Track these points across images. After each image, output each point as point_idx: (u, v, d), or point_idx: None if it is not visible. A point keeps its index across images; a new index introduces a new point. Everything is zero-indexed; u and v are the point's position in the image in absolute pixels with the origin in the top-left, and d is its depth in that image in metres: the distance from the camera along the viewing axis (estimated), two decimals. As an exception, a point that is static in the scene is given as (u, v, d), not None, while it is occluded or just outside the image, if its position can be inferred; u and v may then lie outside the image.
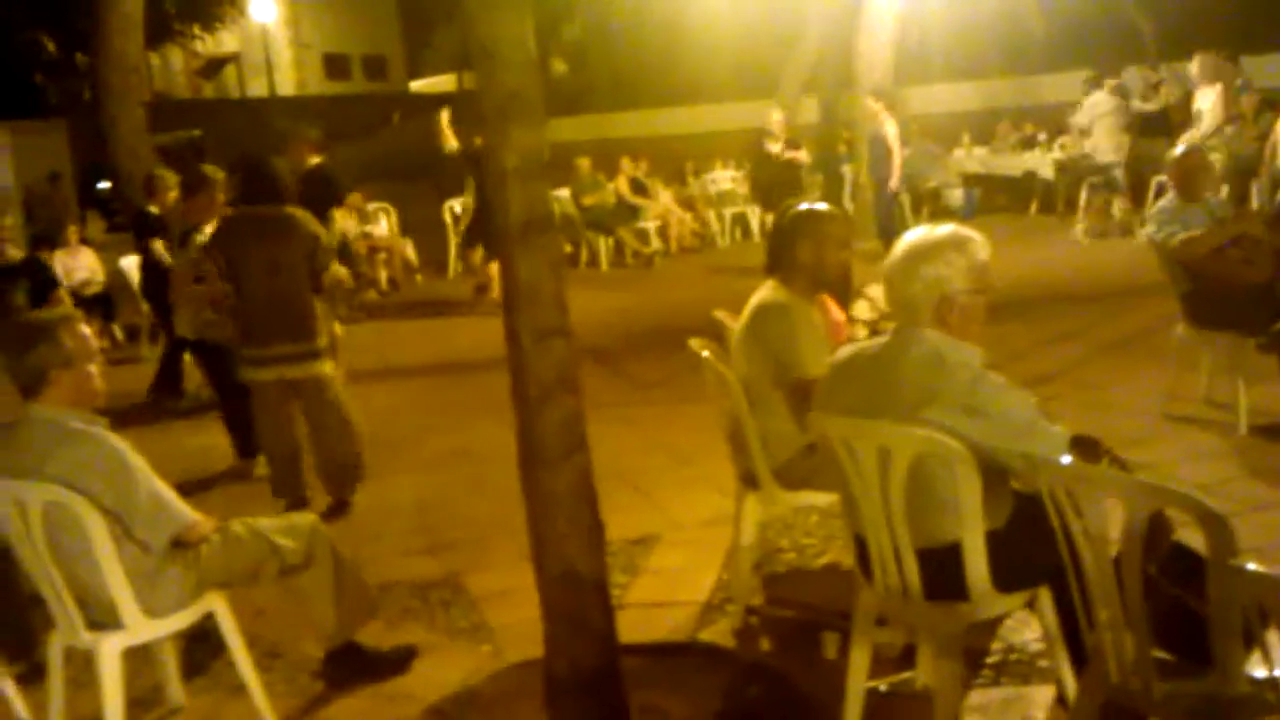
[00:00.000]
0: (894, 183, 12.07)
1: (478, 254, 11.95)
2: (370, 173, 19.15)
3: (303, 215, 5.71)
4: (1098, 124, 13.35)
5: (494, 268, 10.99)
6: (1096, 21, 18.82)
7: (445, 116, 12.18)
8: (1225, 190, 11.18)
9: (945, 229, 3.02)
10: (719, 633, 4.07)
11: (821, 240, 4.00)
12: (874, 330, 4.30)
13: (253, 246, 5.56)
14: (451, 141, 12.22)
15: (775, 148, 13.07)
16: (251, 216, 5.68)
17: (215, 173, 6.75)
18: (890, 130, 11.91)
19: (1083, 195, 13.98)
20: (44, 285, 11.08)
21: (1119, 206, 13.36)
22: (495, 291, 10.97)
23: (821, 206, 4.26)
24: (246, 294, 5.58)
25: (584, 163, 14.99)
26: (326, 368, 5.68)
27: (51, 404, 3.35)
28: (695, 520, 5.13)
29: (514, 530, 3.38)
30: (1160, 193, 9.90)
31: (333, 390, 5.70)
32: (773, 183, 12.99)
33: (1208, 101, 12.17)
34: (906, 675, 3.52)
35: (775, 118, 13.61)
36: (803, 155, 13.62)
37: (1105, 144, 13.22)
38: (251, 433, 6.41)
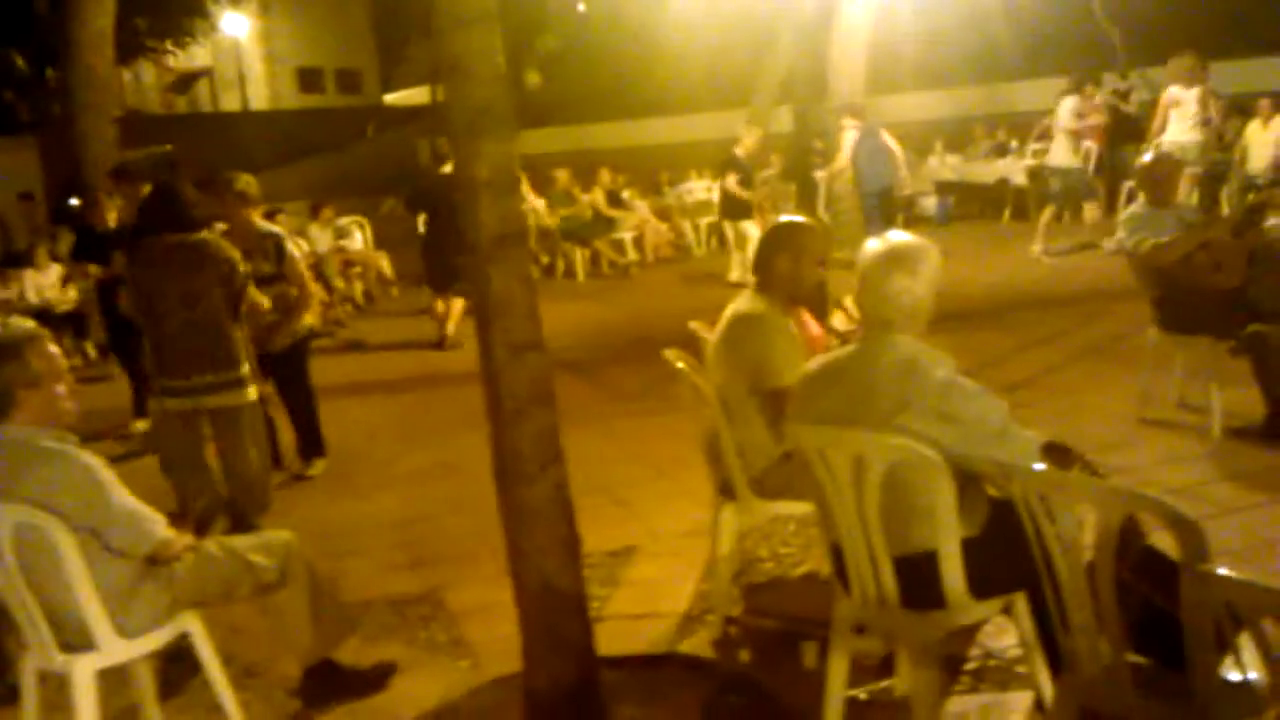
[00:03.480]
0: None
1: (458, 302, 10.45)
2: (344, 186, 19.11)
3: (216, 241, 5.59)
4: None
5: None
6: (1065, 29, 18.97)
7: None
8: (1194, 195, 11.26)
9: (906, 238, 3.09)
10: (698, 644, 4.06)
11: (799, 253, 4.02)
12: (846, 342, 4.31)
13: (167, 277, 5.39)
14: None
15: (731, 182, 12.77)
16: (164, 245, 5.47)
17: (242, 180, 6.45)
18: (848, 139, 11.93)
19: (1047, 210, 13.95)
20: None
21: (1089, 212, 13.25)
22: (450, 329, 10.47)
23: (801, 220, 4.29)
24: (163, 325, 5.42)
25: (562, 174, 15.00)
26: (248, 395, 5.55)
27: (19, 424, 3.31)
28: (673, 531, 5.13)
29: (494, 545, 3.36)
30: (1131, 198, 9.95)
31: (248, 420, 5.57)
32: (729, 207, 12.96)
33: (1192, 103, 12.09)
34: (885, 683, 3.53)
35: (746, 141, 13.03)
36: (753, 193, 12.95)
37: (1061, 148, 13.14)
38: (318, 434, 6.71)
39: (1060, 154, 12.44)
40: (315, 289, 6.44)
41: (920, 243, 3.06)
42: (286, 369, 6.54)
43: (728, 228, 13.36)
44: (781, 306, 4.01)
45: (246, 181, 6.50)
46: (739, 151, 12.86)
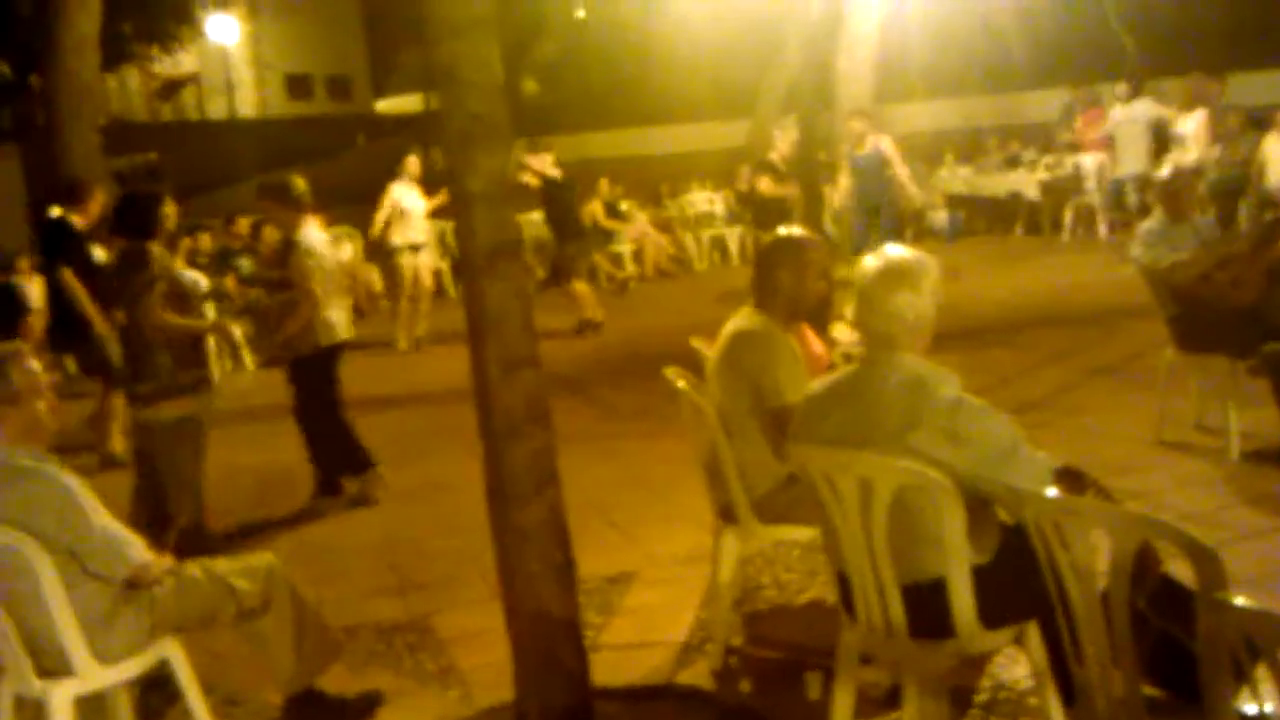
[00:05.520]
0: (921, 194, 12.02)
1: (577, 286, 11.69)
2: (334, 196, 18.93)
3: (148, 250, 5.48)
4: (1116, 134, 13.49)
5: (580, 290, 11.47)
6: (1078, 39, 18.88)
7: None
8: (1211, 211, 11.25)
9: (905, 252, 3.05)
10: (698, 674, 3.96)
11: (802, 268, 3.95)
12: (848, 356, 4.24)
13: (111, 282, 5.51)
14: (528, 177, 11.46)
15: (766, 183, 12.62)
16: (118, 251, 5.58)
17: (272, 182, 6.15)
18: (886, 145, 11.67)
19: (1067, 215, 13.96)
20: (13, 312, 10.74)
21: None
22: (589, 312, 11.39)
23: (801, 233, 4.19)
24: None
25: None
26: (160, 413, 5.42)
27: (-2, 442, 3.24)
28: (673, 557, 5.03)
29: (484, 568, 3.29)
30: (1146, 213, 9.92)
31: (165, 440, 5.43)
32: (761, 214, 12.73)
33: (1191, 126, 12.23)
34: (892, 716, 3.43)
35: (781, 146, 12.66)
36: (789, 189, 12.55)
37: (1125, 155, 13.23)
38: (328, 460, 6.23)
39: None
40: (314, 297, 5.81)
41: (920, 256, 3.03)
42: (291, 384, 6.17)
43: (733, 237, 13.12)
44: (782, 323, 3.93)
45: (275, 185, 6.10)
46: (774, 156, 12.68)
